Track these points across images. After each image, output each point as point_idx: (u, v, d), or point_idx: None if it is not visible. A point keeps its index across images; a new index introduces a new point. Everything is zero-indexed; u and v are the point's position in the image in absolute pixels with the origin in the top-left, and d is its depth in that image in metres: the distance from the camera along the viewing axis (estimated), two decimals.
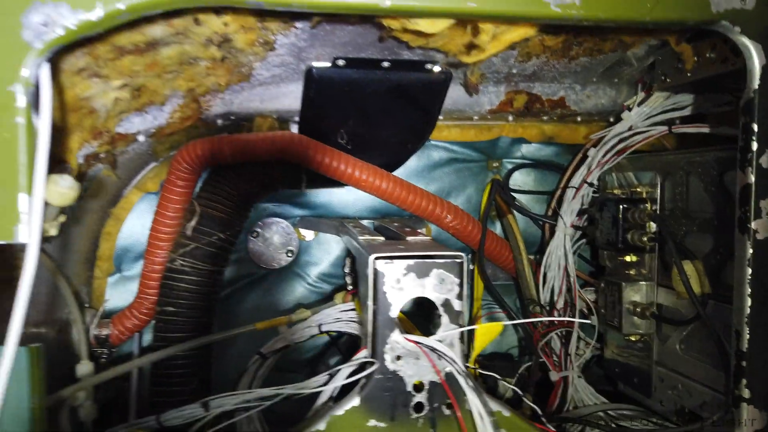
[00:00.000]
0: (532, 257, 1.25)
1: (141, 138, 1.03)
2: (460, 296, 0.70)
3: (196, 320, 1.06)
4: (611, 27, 0.85)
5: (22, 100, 0.61)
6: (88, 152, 0.95)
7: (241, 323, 1.08)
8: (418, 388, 0.69)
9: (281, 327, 1.02)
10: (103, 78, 0.83)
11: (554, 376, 1.07)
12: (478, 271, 1.21)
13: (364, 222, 1.21)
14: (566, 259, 1.13)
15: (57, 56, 0.67)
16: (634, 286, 1.03)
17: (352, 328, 0.98)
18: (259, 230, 1.24)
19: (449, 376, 0.69)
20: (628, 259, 1.05)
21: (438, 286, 0.69)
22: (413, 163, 1.27)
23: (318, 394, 0.80)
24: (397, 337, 0.68)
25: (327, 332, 1.01)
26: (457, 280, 0.69)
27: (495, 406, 0.69)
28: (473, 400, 0.67)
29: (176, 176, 1.06)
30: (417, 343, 0.68)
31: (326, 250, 1.28)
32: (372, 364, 0.68)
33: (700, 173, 0.92)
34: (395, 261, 0.68)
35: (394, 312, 0.69)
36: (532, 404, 0.81)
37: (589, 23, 0.69)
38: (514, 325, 1.30)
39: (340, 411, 0.68)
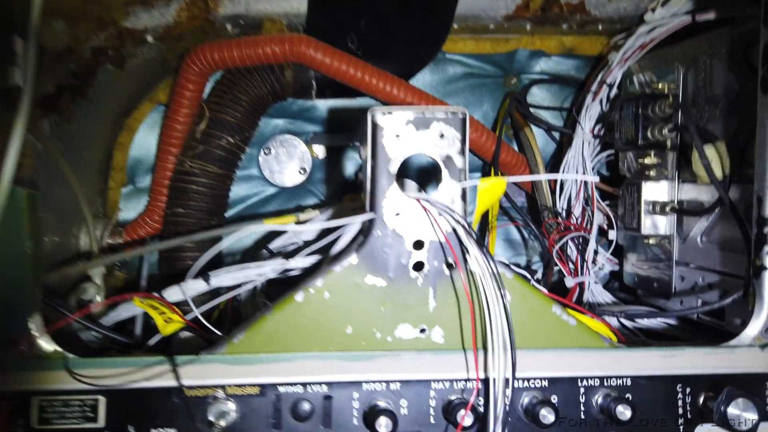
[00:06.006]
0: None
1: (149, 38, 1.03)
2: (462, 152, 0.67)
3: (206, 222, 1.06)
4: None
5: None
6: (96, 44, 0.95)
7: None
8: (418, 245, 0.67)
9: (289, 225, 1.01)
10: None
11: (570, 281, 1.04)
12: None
13: None
14: (584, 166, 1.09)
15: None
16: (654, 185, 0.98)
17: None
18: (271, 147, 1.23)
19: (450, 235, 0.67)
20: (648, 161, 1.01)
21: (438, 140, 0.67)
22: (428, 77, 1.24)
23: None
24: (395, 192, 0.66)
25: None
26: (458, 135, 0.67)
27: (499, 267, 0.66)
28: (477, 257, 0.64)
29: (186, 79, 1.06)
30: (417, 198, 0.66)
31: (339, 168, 1.26)
32: (370, 221, 0.67)
33: (724, 54, 0.87)
34: (394, 112, 0.66)
35: (394, 167, 0.67)
36: (539, 286, 0.78)
37: None
38: (528, 236, 1.28)
39: (337, 268, 0.67)
